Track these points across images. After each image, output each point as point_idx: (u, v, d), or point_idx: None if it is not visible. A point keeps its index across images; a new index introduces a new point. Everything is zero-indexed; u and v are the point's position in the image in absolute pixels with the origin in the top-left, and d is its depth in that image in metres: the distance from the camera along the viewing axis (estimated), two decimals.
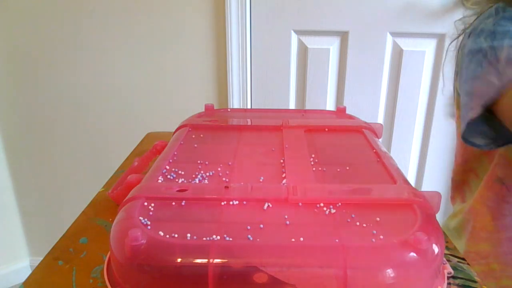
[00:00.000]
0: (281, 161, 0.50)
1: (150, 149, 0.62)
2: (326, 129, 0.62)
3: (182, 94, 1.38)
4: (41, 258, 0.44)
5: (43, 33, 1.34)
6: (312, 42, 1.32)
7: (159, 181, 0.44)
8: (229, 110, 0.76)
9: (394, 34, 1.29)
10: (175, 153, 0.53)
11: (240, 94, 1.35)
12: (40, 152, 1.50)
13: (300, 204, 0.40)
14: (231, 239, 0.34)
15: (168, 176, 0.46)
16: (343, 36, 1.30)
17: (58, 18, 1.32)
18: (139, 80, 1.38)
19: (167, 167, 0.48)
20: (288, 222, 0.37)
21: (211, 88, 1.37)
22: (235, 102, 1.36)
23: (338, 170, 0.48)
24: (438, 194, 0.42)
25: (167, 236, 0.34)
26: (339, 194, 0.41)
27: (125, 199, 0.41)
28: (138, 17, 1.31)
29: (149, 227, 0.36)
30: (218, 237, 0.34)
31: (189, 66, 1.35)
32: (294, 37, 1.32)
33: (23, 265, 1.64)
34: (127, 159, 0.70)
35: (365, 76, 1.33)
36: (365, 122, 0.65)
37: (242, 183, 0.44)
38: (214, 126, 0.64)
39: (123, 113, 1.42)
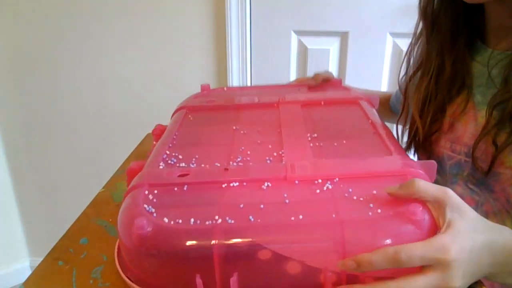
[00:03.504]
0: (279, 139, 0.50)
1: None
2: (322, 103, 0.61)
3: (182, 94, 1.38)
4: (41, 258, 0.44)
5: (43, 33, 1.34)
6: (312, 43, 1.32)
7: (160, 167, 0.45)
8: (225, 89, 0.75)
9: (394, 34, 1.29)
10: (174, 137, 0.53)
11: None
12: (40, 152, 1.50)
13: (298, 182, 0.40)
14: (233, 221, 0.35)
15: (169, 162, 0.46)
16: (343, 36, 1.30)
17: (58, 17, 1.32)
18: (139, 80, 1.38)
19: (167, 152, 0.48)
20: (287, 201, 0.37)
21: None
22: None
23: (335, 144, 0.48)
24: (433, 164, 0.42)
25: (172, 222, 0.35)
26: (336, 170, 0.42)
27: (129, 187, 0.42)
28: (138, 18, 1.30)
29: (154, 214, 0.36)
30: (220, 220, 0.35)
31: (189, 66, 1.35)
32: (294, 37, 1.32)
33: (23, 265, 1.64)
34: (127, 159, 0.70)
35: (365, 76, 1.33)
36: (362, 93, 0.65)
37: (241, 164, 0.44)
38: (211, 106, 0.63)
39: (124, 113, 1.42)
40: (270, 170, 0.43)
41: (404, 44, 1.29)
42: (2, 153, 1.49)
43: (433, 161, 0.42)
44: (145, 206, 0.37)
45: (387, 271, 0.32)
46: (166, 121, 1.53)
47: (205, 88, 0.73)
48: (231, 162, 0.45)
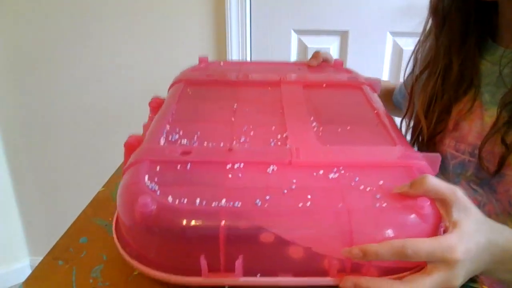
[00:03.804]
0: (282, 120, 0.49)
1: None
2: (324, 85, 0.60)
3: None
4: (41, 258, 0.44)
5: (43, 33, 1.34)
6: (312, 42, 1.32)
7: (161, 143, 0.44)
8: (221, 63, 0.73)
9: (394, 34, 1.29)
10: (173, 112, 0.51)
11: None
12: (40, 152, 1.50)
13: (303, 167, 0.40)
14: (240, 204, 0.34)
15: (170, 138, 0.45)
16: (343, 36, 1.30)
17: (58, 17, 1.32)
18: (139, 80, 1.38)
19: (168, 126, 0.47)
20: (293, 187, 0.37)
21: None
22: None
23: (339, 130, 0.48)
24: (437, 156, 0.42)
25: (176, 201, 0.34)
26: (342, 157, 0.42)
27: (128, 162, 0.41)
28: (138, 19, 1.30)
29: (157, 192, 0.35)
30: (227, 202, 0.34)
31: (189, 66, 1.35)
32: (294, 37, 1.32)
33: (23, 265, 1.64)
34: None
35: (365, 75, 1.32)
36: (364, 78, 0.64)
37: (245, 146, 0.44)
38: (211, 81, 0.61)
39: (124, 113, 1.42)
40: (275, 153, 0.42)
41: (404, 43, 1.29)
42: (2, 153, 1.49)
43: (437, 154, 0.42)
44: (148, 183, 0.36)
45: (390, 261, 0.33)
46: None
47: (203, 60, 0.70)
48: (234, 142, 0.44)
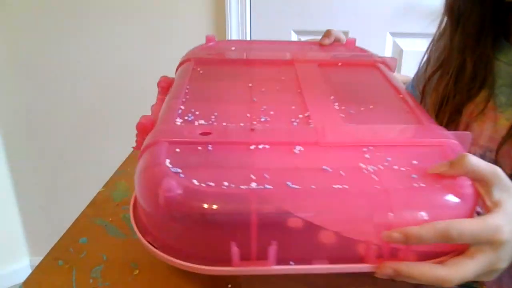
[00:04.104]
0: (301, 99, 0.46)
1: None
2: (340, 64, 0.57)
3: None
4: (41, 258, 0.44)
5: (43, 33, 1.34)
6: None
7: (178, 123, 0.41)
8: (230, 42, 0.68)
9: (394, 34, 1.29)
10: (186, 91, 0.48)
11: None
12: (40, 152, 1.50)
13: (331, 147, 0.38)
14: (271, 186, 0.32)
15: (186, 118, 0.42)
16: None
17: (58, 17, 1.32)
18: (140, 80, 1.38)
19: (182, 107, 0.44)
20: (324, 167, 0.35)
21: None
22: None
23: (362, 109, 0.45)
24: (468, 135, 0.40)
25: (203, 185, 0.32)
26: (370, 136, 0.39)
27: (145, 143, 0.38)
28: (138, 19, 1.30)
29: (181, 175, 0.33)
30: (256, 185, 0.32)
31: None
32: (294, 37, 1.32)
33: (23, 265, 1.64)
34: (127, 159, 0.70)
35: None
36: (378, 56, 0.61)
37: (267, 125, 0.41)
38: (221, 60, 0.58)
39: (124, 113, 1.42)
40: (300, 133, 0.40)
41: (404, 43, 1.29)
42: (2, 153, 1.49)
43: (467, 132, 0.41)
44: (169, 165, 0.34)
45: (428, 246, 0.31)
46: None
47: (210, 39, 0.65)
48: (254, 122, 0.41)
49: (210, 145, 0.37)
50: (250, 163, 0.35)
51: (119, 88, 1.39)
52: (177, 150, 0.36)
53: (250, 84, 0.50)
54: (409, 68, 1.33)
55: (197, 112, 0.43)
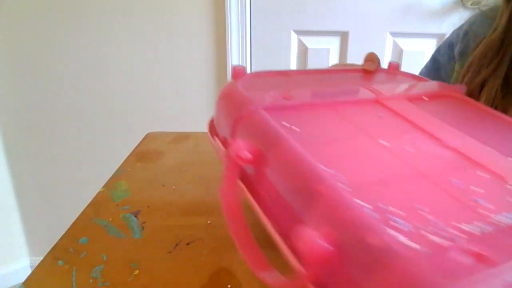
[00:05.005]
0: (435, 139, 0.38)
1: None
2: (426, 98, 0.49)
3: (182, 94, 1.38)
4: (41, 258, 0.44)
5: (43, 33, 1.34)
6: (312, 42, 1.32)
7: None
8: (266, 77, 0.54)
9: (394, 34, 1.29)
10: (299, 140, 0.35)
11: None
12: (40, 152, 1.50)
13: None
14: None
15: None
16: (343, 36, 1.30)
17: (58, 17, 1.32)
18: (139, 80, 1.38)
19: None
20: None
21: (211, 88, 1.37)
22: None
23: (495, 139, 0.39)
24: None
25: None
26: None
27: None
28: (138, 19, 1.31)
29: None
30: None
31: (189, 66, 1.35)
32: (294, 37, 1.32)
33: (23, 265, 1.65)
34: (127, 159, 0.70)
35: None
36: (447, 84, 0.54)
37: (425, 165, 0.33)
38: (295, 105, 0.44)
39: (123, 113, 1.42)
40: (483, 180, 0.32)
41: (404, 43, 1.29)
42: (2, 153, 1.50)
43: None
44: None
45: None
46: (166, 121, 1.53)
47: (239, 71, 0.48)
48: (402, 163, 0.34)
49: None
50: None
51: (119, 88, 1.39)
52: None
53: (365, 135, 0.40)
54: (409, 68, 1.33)
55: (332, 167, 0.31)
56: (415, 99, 0.48)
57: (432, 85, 0.54)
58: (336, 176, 0.29)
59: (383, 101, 0.47)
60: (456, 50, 0.64)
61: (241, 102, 0.39)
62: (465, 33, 0.63)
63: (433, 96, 0.50)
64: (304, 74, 0.57)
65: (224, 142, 0.41)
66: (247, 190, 0.34)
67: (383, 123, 0.43)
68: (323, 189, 0.28)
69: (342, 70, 0.58)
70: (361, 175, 0.31)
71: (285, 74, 0.57)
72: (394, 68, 0.58)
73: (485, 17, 0.61)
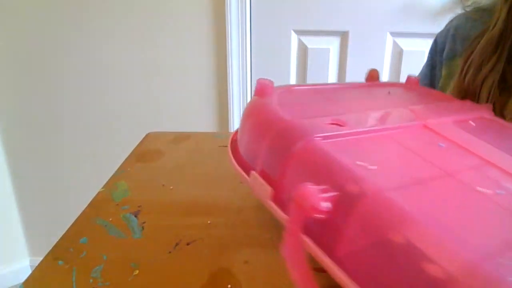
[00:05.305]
0: (481, 161, 0.38)
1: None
2: (473, 123, 0.48)
3: (182, 94, 1.38)
4: (41, 258, 0.44)
5: (44, 33, 1.34)
6: (312, 42, 1.32)
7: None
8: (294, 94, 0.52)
9: (394, 34, 1.29)
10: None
11: (240, 94, 1.35)
12: (40, 152, 1.50)
13: None
14: None
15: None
16: (343, 36, 1.30)
17: (59, 17, 1.32)
18: (139, 80, 1.38)
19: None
20: None
21: (211, 88, 1.37)
22: (235, 102, 1.36)
23: None
24: None
25: None
26: None
27: None
28: (138, 19, 1.31)
29: None
30: None
31: (189, 66, 1.35)
32: (294, 37, 1.32)
33: (23, 265, 1.65)
34: (127, 159, 0.70)
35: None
36: (475, 104, 0.53)
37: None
38: (353, 133, 0.43)
39: (123, 113, 1.42)
40: None
41: (404, 43, 1.29)
42: (2, 153, 1.50)
43: None
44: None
45: None
46: (166, 121, 1.53)
47: (265, 86, 0.45)
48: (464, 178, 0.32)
49: None
50: None
51: (119, 88, 1.39)
52: None
53: (418, 157, 0.38)
54: (409, 68, 1.33)
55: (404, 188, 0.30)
56: (460, 123, 0.45)
57: (465, 105, 0.51)
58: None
59: (432, 126, 0.44)
60: (444, 53, 0.64)
61: (286, 129, 0.34)
62: (452, 36, 0.63)
63: (475, 119, 0.48)
64: (338, 91, 0.54)
65: (265, 176, 0.34)
66: (318, 247, 0.28)
67: (454, 158, 0.39)
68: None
69: (372, 85, 0.55)
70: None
71: (318, 91, 0.54)
72: (414, 83, 0.55)
73: (470, 19, 0.61)
